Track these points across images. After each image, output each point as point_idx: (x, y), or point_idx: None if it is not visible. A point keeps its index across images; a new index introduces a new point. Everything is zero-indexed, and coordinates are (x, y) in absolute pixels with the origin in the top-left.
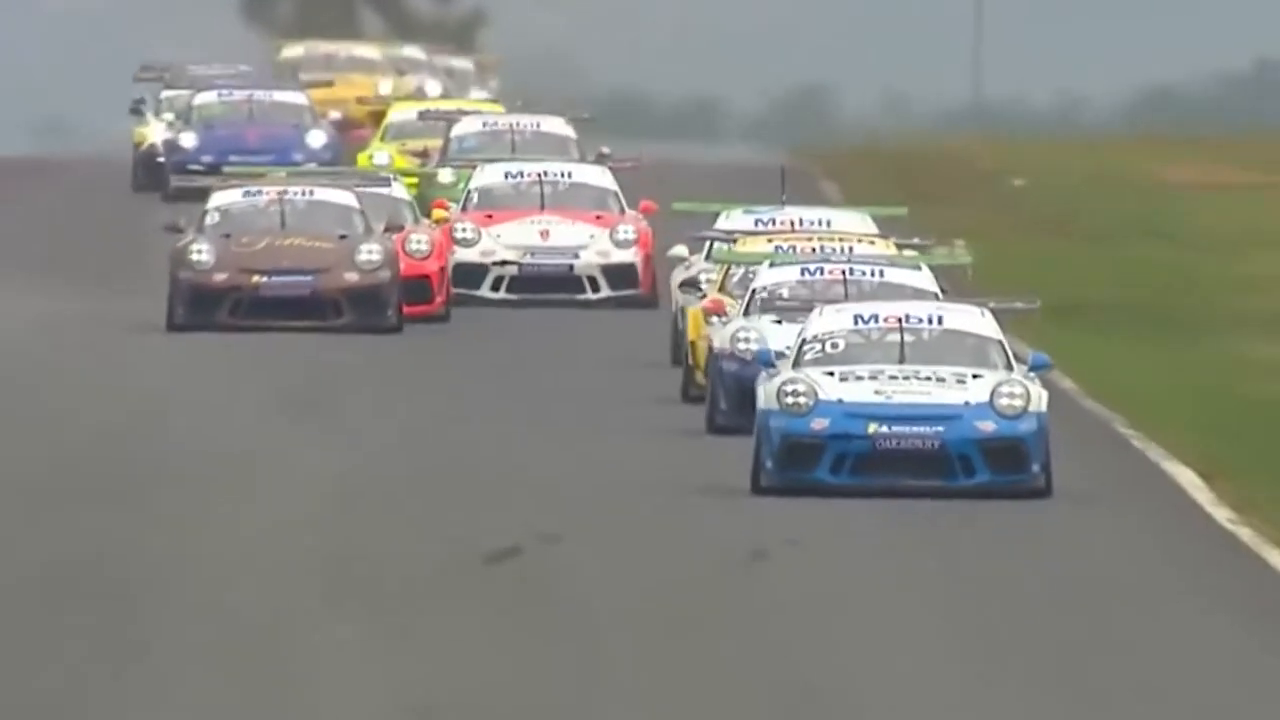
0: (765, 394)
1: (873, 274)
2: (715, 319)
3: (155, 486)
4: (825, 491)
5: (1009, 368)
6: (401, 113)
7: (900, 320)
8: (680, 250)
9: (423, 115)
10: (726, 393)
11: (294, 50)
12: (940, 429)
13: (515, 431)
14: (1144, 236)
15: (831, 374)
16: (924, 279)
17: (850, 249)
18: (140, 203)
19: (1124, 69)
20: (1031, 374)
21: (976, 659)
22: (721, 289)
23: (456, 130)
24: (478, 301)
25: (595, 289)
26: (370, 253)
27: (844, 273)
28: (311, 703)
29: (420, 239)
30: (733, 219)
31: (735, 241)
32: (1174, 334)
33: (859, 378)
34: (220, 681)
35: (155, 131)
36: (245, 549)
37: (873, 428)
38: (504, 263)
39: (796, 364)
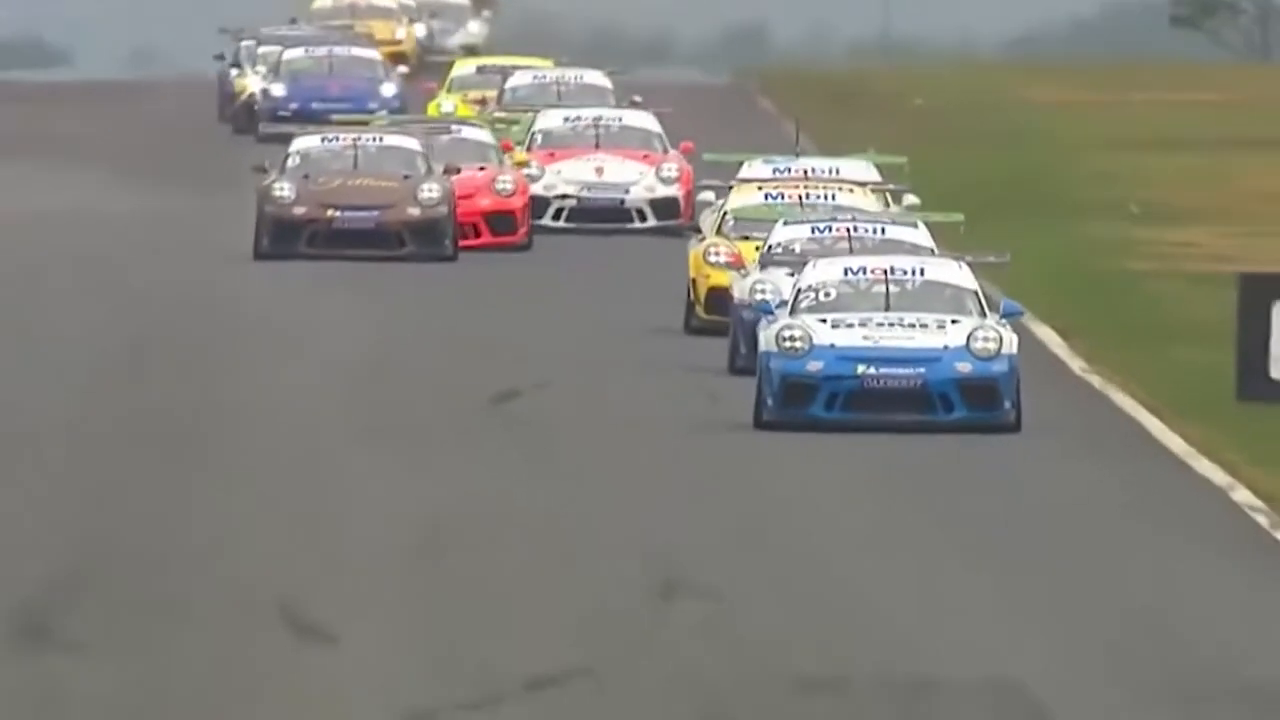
0: (765, 339)
1: (875, 231)
2: (736, 272)
3: (219, 348)
4: (820, 426)
5: (983, 315)
6: (463, 68)
7: (886, 272)
8: (707, 195)
9: (481, 70)
10: (746, 338)
11: (323, 1)
12: (922, 370)
13: (533, 326)
14: (1011, 142)
15: (825, 320)
16: (921, 235)
17: (833, 196)
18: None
19: (1006, 12)
20: (1003, 320)
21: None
22: (718, 232)
23: (510, 82)
24: (540, 230)
25: (643, 219)
26: (430, 191)
27: (849, 230)
28: (345, 509)
29: (506, 179)
30: (754, 168)
31: (730, 189)
32: (1034, 220)
33: (849, 324)
34: (272, 490)
35: (253, 83)
36: (290, 399)
37: (861, 369)
38: (564, 196)
39: (793, 311)
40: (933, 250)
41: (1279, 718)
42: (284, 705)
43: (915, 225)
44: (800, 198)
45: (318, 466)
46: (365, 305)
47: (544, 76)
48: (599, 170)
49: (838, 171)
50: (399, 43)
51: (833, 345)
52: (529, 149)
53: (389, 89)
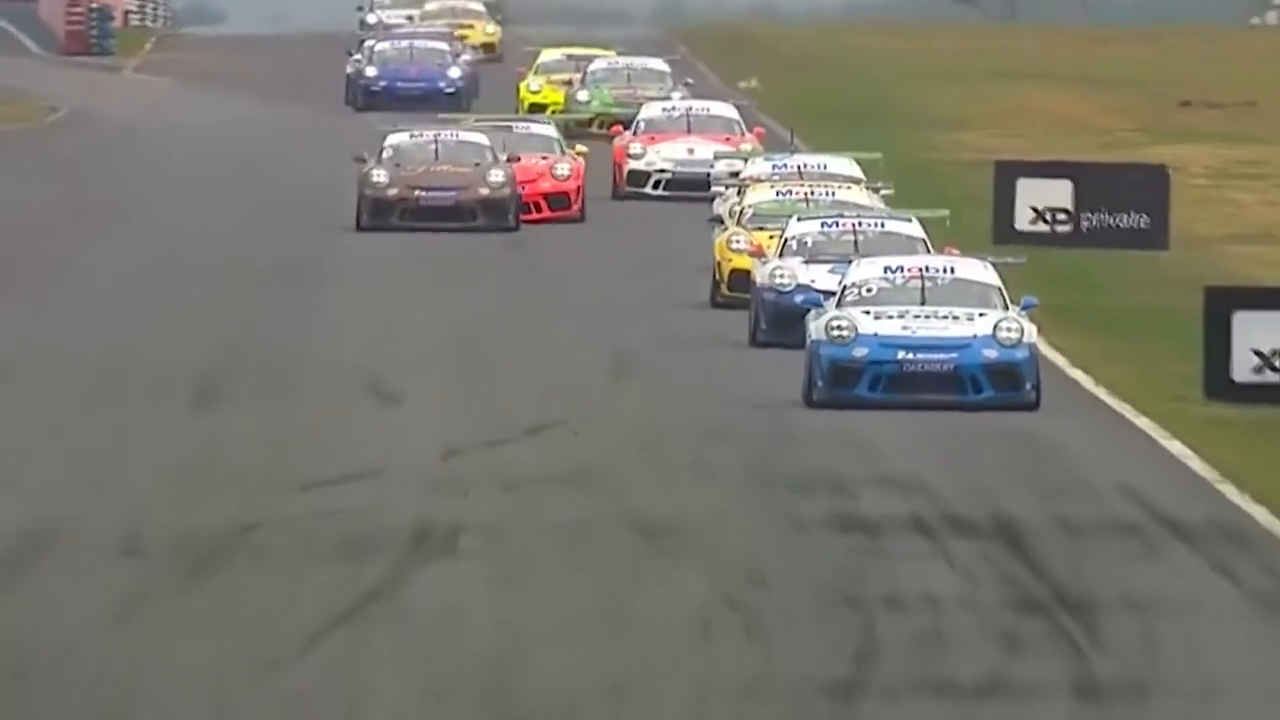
0: (815, 328)
1: (876, 225)
2: (757, 260)
3: (333, 213)
4: (864, 405)
5: (1006, 308)
6: (549, 55)
7: (921, 270)
8: (718, 188)
9: (566, 58)
10: (766, 316)
11: (432, 5)
12: (954, 355)
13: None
14: (850, 77)
15: (868, 313)
16: (914, 228)
17: (832, 193)
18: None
19: None
20: (1023, 312)
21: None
22: (738, 223)
23: (590, 67)
24: (641, 197)
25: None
26: (496, 176)
27: (854, 225)
28: (410, 321)
29: (563, 166)
30: (756, 164)
31: (747, 186)
32: (864, 126)
33: (890, 316)
34: (362, 309)
35: (356, 64)
36: (376, 250)
37: (901, 355)
38: (661, 170)
39: (840, 305)
40: (925, 240)
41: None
42: (369, 443)
43: (910, 220)
44: (806, 195)
45: (394, 296)
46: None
47: (615, 62)
48: (690, 150)
49: (825, 167)
50: (490, 35)
51: (876, 334)
52: (634, 133)
53: (454, 72)
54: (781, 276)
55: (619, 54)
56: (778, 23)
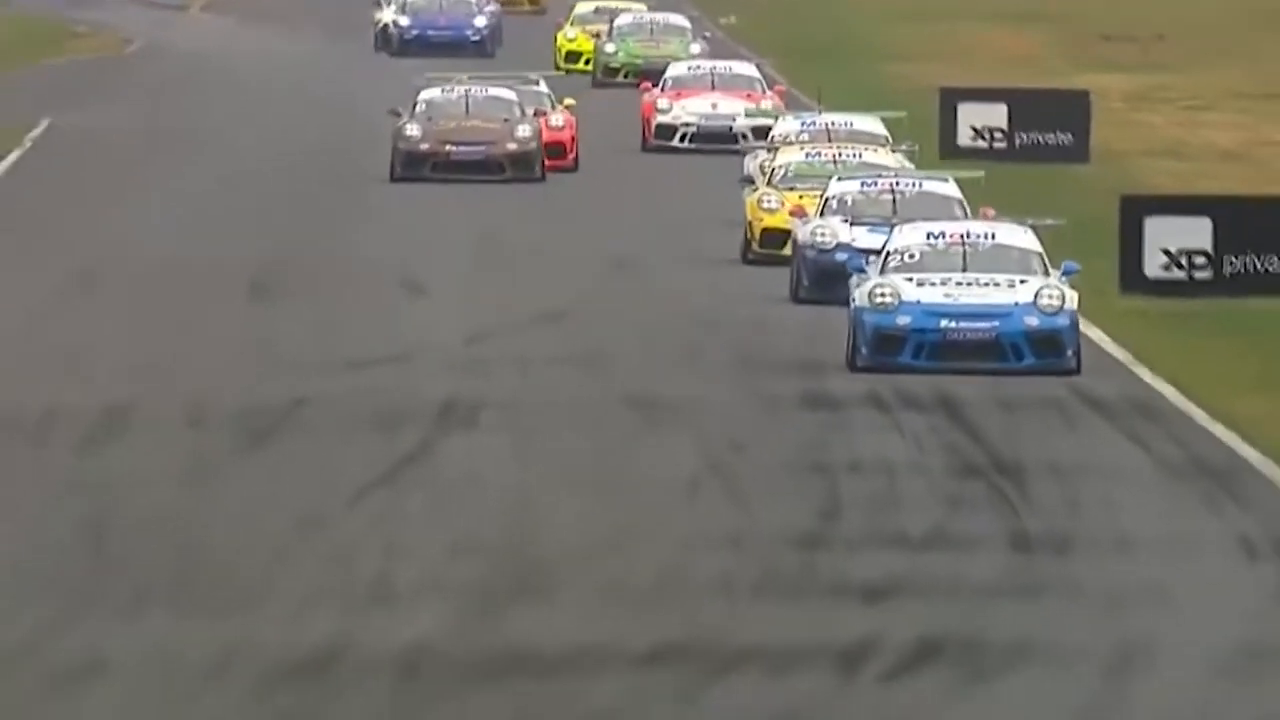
0: (860, 295)
1: (914, 185)
2: (798, 220)
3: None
4: (909, 370)
5: (1047, 274)
6: (583, 7)
7: (963, 236)
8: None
9: (597, 11)
10: (808, 273)
11: None
12: (996, 323)
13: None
14: (823, 16)
15: (911, 279)
16: (951, 188)
17: (859, 154)
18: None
19: None
20: (1064, 278)
21: None
22: (769, 183)
23: (617, 20)
24: (672, 150)
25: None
26: (523, 130)
27: (892, 185)
28: (437, 226)
29: (558, 118)
30: (786, 122)
31: (776, 149)
32: (834, 60)
33: (933, 284)
34: (396, 220)
35: (386, 15)
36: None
37: (944, 322)
38: (687, 124)
39: (883, 271)
40: (962, 201)
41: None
42: (402, 327)
43: (946, 180)
44: (834, 156)
45: (421, 209)
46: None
47: (642, 16)
48: (714, 105)
49: (851, 124)
50: None
51: (919, 301)
52: (662, 89)
53: (480, 21)
54: (823, 235)
55: (649, 8)
56: None
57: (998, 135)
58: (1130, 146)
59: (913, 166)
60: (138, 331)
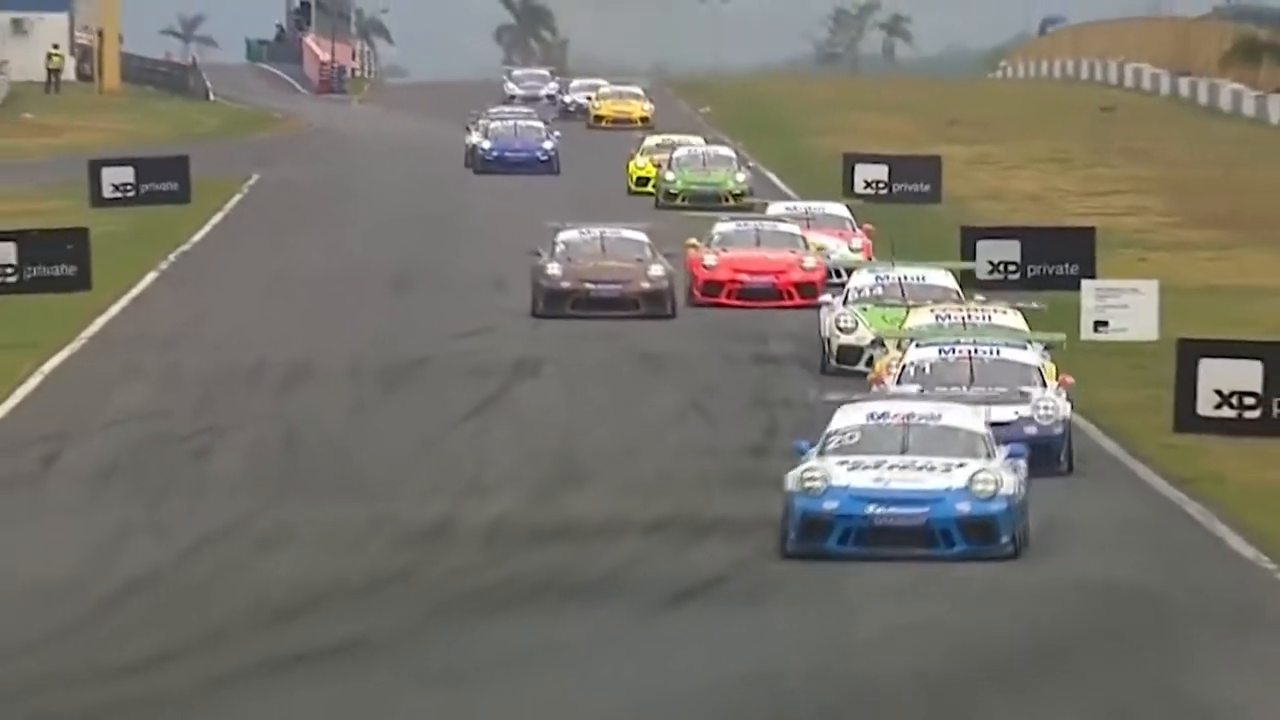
0: (791, 479)
1: (992, 352)
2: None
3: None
4: (835, 557)
5: (990, 457)
6: (652, 140)
7: (906, 418)
8: (826, 298)
9: (660, 145)
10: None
11: (606, 90)
12: (926, 509)
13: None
14: (768, 105)
15: (844, 463)
16: (1030, 356)
17: (989, 316)
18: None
19: (757, 48)
20: (1009, 460)
21: None
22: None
23: (676, 153)
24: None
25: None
26: (656, 270)
27: (969, 352)
28: (507, 247)
29: (809, 260)
30: (861, 275)
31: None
32: (772, 138)
33: (865, 467)
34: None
35: (474, 138)
36: (483, 204)
37: (872, 508)
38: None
39: (821, 453)
40: (1040, 369)
41: None
42: (491, 311)
43: (1025, 347)
44: (964, 319)
45: (507, 233)
46: None
47: (696, 150)
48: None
49: (924, 279)
50: (645, 111)
51: (848, 486)
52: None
53: (548, 144)
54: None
55: (705, 142)
56: (724, 75)
57: (880, 185)
58: (967, 193)
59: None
60: (315, 313)
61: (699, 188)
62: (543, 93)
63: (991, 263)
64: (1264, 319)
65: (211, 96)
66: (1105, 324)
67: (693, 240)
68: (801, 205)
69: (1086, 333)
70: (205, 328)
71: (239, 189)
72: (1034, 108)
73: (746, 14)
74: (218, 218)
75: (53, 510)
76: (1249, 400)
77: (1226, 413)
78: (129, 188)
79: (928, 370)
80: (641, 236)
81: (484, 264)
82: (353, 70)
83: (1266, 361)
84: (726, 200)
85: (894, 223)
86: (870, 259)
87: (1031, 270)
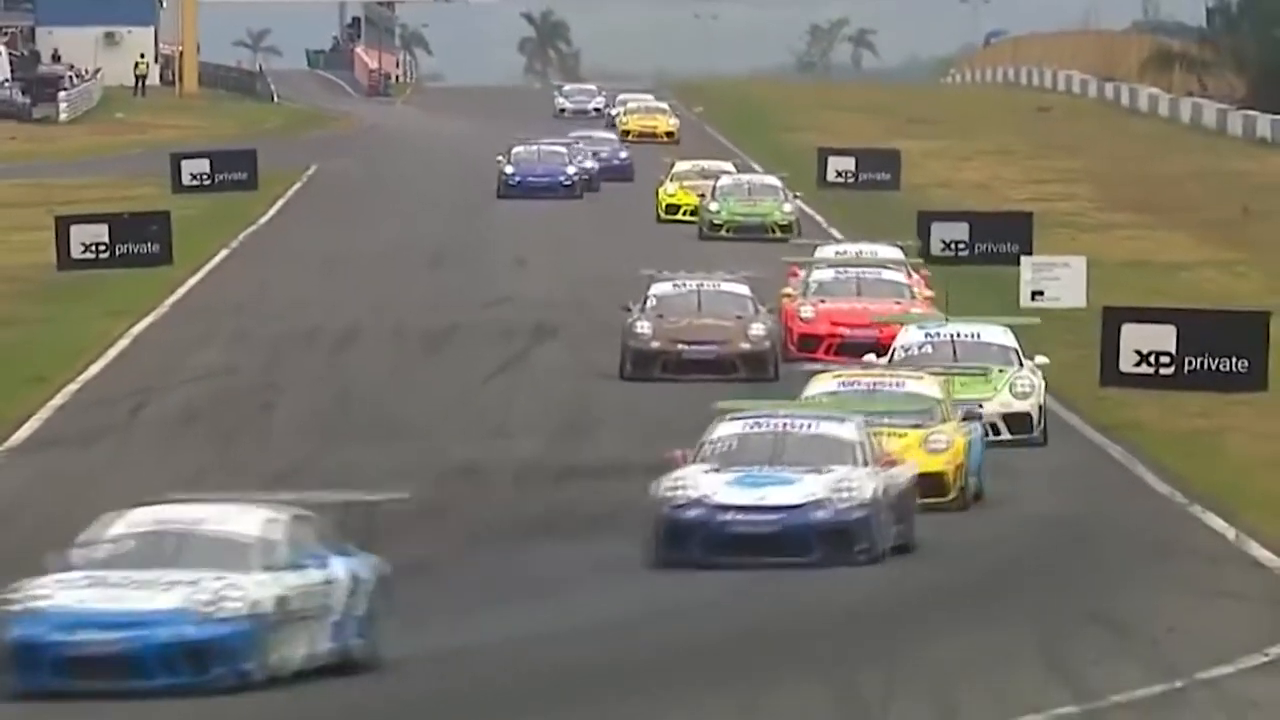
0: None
1: (807, 426)
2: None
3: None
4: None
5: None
6: (682, 165)
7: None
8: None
9: (693, 169)
10: (661, 533)
11: (633, 104)
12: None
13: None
14: (753, 106)
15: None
16: (849, 431)
17: (902, 384)
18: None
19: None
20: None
21: None
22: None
23: (719, 182)
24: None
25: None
26: (757, 329)
27: (783, 426)
28: (528, 229)
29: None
30: (909, 333)
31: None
32: (757, 133)
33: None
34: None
35: (503, 166)
36: (510, 194)
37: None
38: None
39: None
40: (861, 446)
41: None
42: (514, 284)
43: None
44: (872, 385)
45: (526, 216)
46: None
47: (739, 177)
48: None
49: (979, 335)
50: (671, 126)
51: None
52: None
53: (570, 169)
54: (679, 488)
55: (736, 169)
56: (715, 80)
57: (849, 174)
58: (923, 181)
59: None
60: (363, 285)
61: (744, 219)
62: (590, 106)
63: (944, 241)
64: (1176, 290)
65: (275, 98)
66: (1041, 293)
67: (788, 289)
68: (853, 248)
69: (1025, 301)
70: (269, 297)
71: (299, 178)
72: (980, 108)
73: (735, 28)
74: (280, 203)
75: (140, 452)
76: (1164, 359)
77: (1145, 370)
78: (205, 177)
79: (734, 447)
80: (744, 289)
81: (509, 244)
82: (397, 76)
83: (1179, 326)
84: (772, 232)
85: (860, 209)
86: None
87: (978, 248)
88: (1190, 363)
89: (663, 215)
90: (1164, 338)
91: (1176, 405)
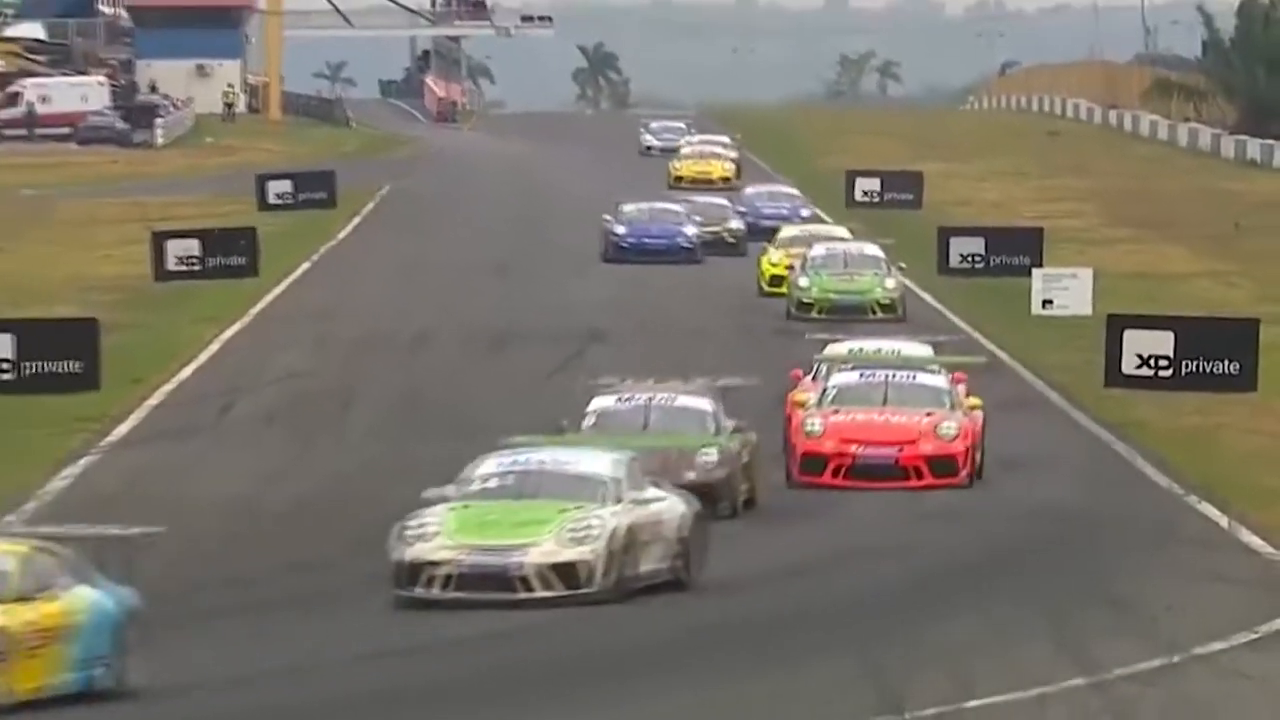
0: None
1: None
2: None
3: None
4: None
5: (718, 432)
6: (788, 231)
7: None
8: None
9: (793, 239)
10: None
11: (688, 150)
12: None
13: None
14: (786, 131)
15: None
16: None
17: (914, 376)
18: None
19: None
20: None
21: None
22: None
23: (810, 253)
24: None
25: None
26: (949, 428)
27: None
28: (578, 237)
29: (949, 424)
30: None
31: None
32: (793, 154)
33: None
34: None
35: (611, 226)
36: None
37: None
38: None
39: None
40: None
41: None
42: (563, 293)
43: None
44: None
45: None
46: None
47: (835, 248)
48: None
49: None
50: (727, 171)
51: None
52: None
53: (690, 230)
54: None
55: (851, 234)
56: (752, 108)
57: (875, 194)
58: (943, 200)
59: None
60: (434, 293)
61: (839, 297)
62: (680, 144)
63: (961, 255)
64: (1174, 299)
65: (352, 124)
66: (1050, 302)
67: (800, 395)
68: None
69: (1036, 309)
70: (347, 305)
71: (374, 197)
72: (995, 133)
73: (770, 60)
74: (357, 219)
75: (228, 448)
76: (1163, 362)
77: (1145, 372)
78: (288, 196)
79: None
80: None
81: (567, 257)
82: (463, 104)
83: (1177, 332)
84: (873, 312)
85: (887, 225)
86: (969, 447)
87: (993, 261)
88: (1187, 365)
89: (766, 288)
90: (1163, 343)
91: (1174, 404)
